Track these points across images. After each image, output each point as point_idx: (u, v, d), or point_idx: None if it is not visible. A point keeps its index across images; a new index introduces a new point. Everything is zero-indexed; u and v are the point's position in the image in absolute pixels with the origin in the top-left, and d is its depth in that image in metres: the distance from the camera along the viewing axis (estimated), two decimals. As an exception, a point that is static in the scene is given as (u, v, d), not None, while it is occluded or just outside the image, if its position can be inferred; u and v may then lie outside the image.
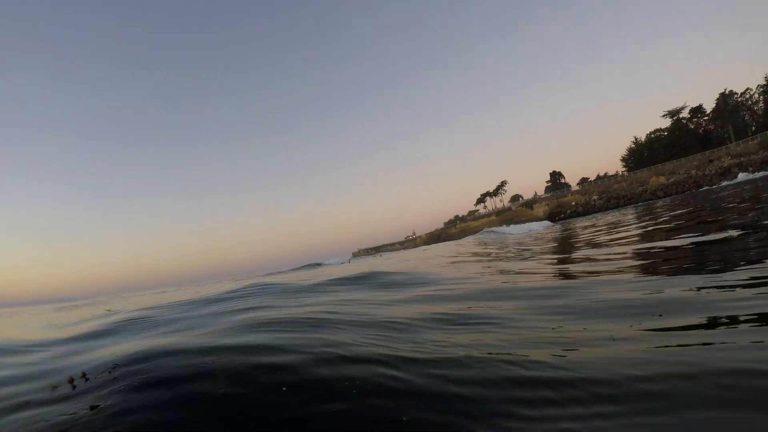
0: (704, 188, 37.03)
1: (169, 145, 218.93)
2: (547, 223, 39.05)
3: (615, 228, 11.29)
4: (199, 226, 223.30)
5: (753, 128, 62.18)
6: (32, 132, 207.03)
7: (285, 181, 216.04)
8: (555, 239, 12.40)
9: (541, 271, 5.20)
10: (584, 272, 4.42)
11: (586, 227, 15.53)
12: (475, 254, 10.47)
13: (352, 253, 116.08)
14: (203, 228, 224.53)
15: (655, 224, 9.61)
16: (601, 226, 14.25)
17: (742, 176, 35.91)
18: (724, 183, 35.82)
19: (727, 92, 65.01)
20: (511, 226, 33.77)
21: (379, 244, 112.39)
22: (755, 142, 48.25)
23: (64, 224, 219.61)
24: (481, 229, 59.56)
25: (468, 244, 18.17)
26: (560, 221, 47.09)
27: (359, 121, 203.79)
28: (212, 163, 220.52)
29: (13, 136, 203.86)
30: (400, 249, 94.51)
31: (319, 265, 62.10)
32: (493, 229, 35.72)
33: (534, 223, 37.31)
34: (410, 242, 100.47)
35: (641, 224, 10.58)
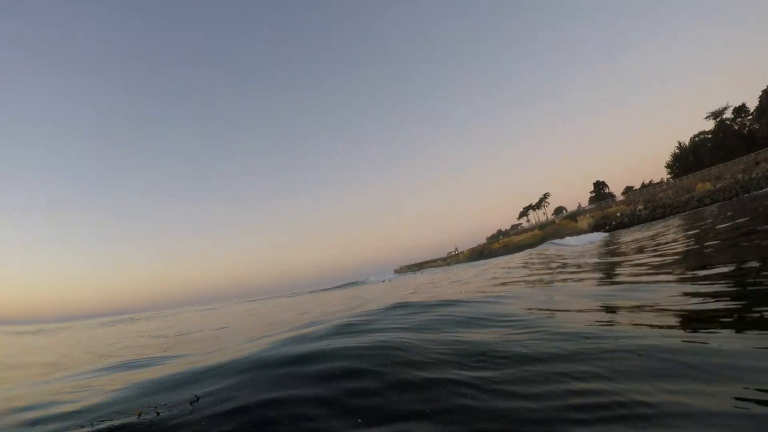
0: (751, 193, 36.20)
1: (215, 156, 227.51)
2: (601, 234, 39.01)
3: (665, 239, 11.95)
4: (242, 242, 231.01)
5: (803, 124, 59.68)
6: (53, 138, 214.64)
7: (326, 197, 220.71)
8: (626, 251, 11.49)
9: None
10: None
11: (648, 237, 15.43)
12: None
13: (394, 270, 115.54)
14: (246, 244, 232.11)
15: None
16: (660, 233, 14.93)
17: None
18: None
19: (770, 88, 62.32)
20: (568, 238, 33.94)
21: (421, 260, 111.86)
22: (804, 140, 46.72)
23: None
24: (535, 244, 60.01)
25: (536, 259, 16.70)
26: (608, 233, 47.03)
27: (400, 135, 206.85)
28: (251, 175, 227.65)
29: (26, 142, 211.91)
30: (443, 265, 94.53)
31: (357, 283, 61.63)
32: (554, 241, 35.84)
33: (591, 234, 37.26)
34: (453, 258, 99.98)
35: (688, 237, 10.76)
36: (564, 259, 13.66)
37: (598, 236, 31.21)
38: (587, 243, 24.18)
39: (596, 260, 10.64)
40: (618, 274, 6.73)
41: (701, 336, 2.53)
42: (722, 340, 2.37)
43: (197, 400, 2.26)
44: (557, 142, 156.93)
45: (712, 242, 8.44)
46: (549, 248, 25.01)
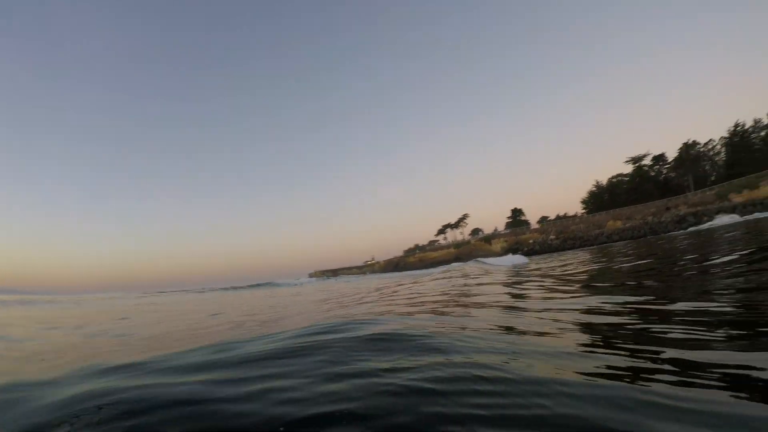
0: (659, 235, 36.17)
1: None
2: (524, 258, 37.66)
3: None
4: (149, 231, 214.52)
5: (713, 178, 62.98)
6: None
7: (241, 197, 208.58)
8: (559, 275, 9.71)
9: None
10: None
11: (563, 263, 14.94)
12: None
13: (309, 274, 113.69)
14: (152, 234, 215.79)
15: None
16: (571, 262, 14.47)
17: (708, 224, 35.03)
18: (679, 231, 34.91)
19: (690, 142, 66.08)
20: (498, 257, 32.53)
21: (337, 267, 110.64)
22: (713, 192, 48.14)
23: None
24: (449, 261, 58.83)
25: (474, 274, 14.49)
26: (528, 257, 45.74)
27: (323, 141, 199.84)
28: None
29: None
30: (358, 273, 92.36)
31: (271, 284, 60.82)
32: (481, 259, 34.53)
33: (514, 256, 35.87)
34: (369, 267, 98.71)
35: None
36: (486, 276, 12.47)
37: (522, 259, 29.56)
38: (511, 266, 22.29)
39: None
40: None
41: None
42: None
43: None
44: (482, 167, 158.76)
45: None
46: (474, 265, 23.37)
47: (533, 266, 15.89)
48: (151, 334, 5.07)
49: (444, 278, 13.45)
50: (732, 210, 36.05)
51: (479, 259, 35.41)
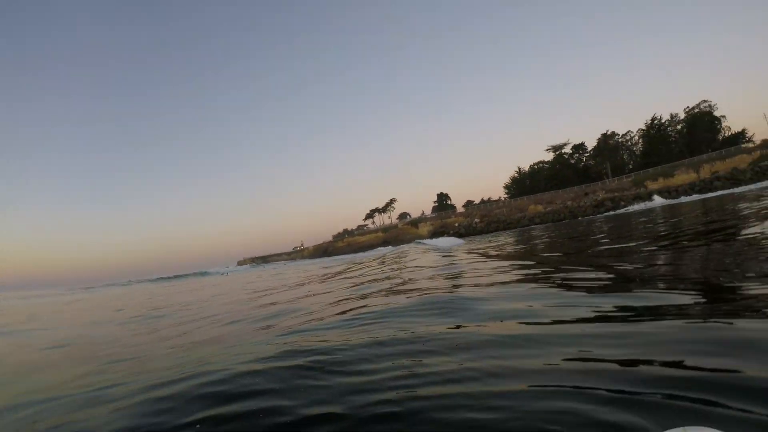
0: (578, 219, 37.17)
1: None
2: (459, 240, 37.60)
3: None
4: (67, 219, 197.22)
5: (630, 166, 66.74)
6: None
7: (164, 180, 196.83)
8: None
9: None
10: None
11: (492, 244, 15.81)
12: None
13: (237, 262, 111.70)
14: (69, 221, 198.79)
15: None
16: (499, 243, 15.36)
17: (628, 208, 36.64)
18: (597, 215, 36.13)
19: (609, 132, 69.14)
20: (437, 239, 32.21)
21: (266, 253, 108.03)
22: (629, 179, 50.88)
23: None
24: (377, 245, 58.53)
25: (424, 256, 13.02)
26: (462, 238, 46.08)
27: (250, 122, 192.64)
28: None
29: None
30: (287, 259, 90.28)
31: (198, 274, 59.73)
32: (423, 241, 34.86)
33: (449, 238, 35.75)
34: (298, 253, 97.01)
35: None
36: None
37: (457, 241, 29.33)
38: (449, 246, 21.55)
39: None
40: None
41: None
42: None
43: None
44: (409, 152, 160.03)
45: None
46: (420, 247, 22.97)
47: (468, 246, 16.25)
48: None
49: (389, 261, 12.60)
50: (648, 197, 37.69)
51: (420, 240, 36.63)
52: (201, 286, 16.95)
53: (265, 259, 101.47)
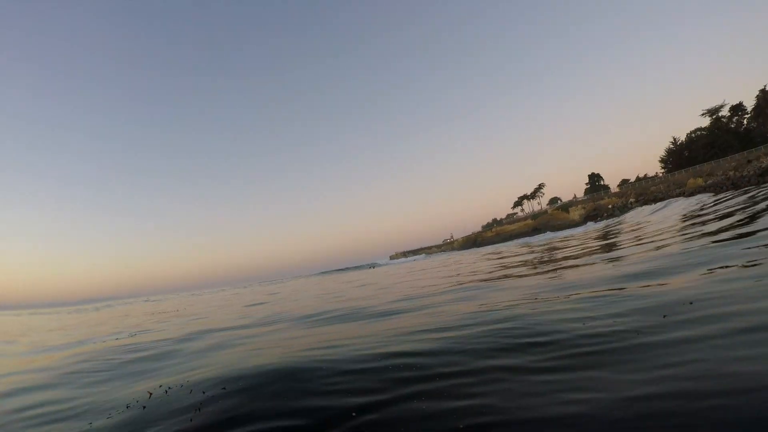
0: (739, 190, 36.71)
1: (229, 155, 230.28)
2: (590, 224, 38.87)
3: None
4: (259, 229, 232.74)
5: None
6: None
7: (328, 186, 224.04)
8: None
9: None
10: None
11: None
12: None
13: (390, 256, 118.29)
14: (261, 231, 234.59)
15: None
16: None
17: None
18: (762, 185, 35.46)
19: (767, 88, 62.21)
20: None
21: (417, 247, 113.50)
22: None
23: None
24: (527, 233, 60.04)
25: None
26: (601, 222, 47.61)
27: (401, 130, 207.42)
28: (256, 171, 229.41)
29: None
30: (437, 252, 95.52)
31: (373, 266, 66.75)
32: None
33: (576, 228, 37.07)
34: (448, 245, 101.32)
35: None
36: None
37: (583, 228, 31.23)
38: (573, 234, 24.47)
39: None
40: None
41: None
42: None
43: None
44: (557, 134, 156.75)
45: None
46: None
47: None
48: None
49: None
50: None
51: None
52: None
53: (416, 252, 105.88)
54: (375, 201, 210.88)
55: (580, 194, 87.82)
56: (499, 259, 16.45)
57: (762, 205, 11.21)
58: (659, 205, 32.40)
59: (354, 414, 2.10)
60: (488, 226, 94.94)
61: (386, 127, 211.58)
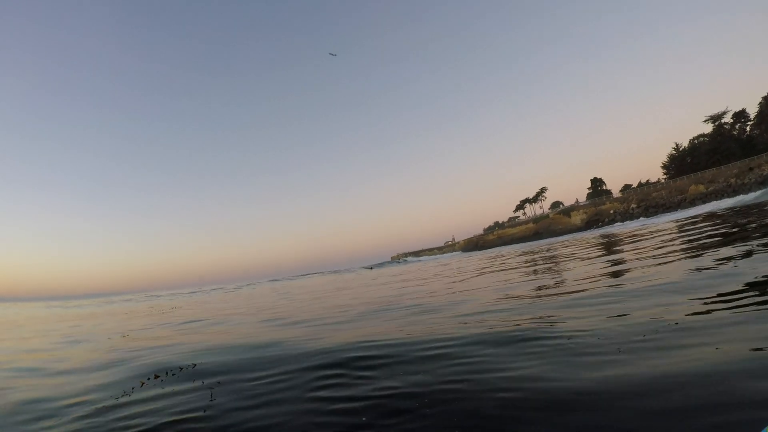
0: (739, 196, 37.02)
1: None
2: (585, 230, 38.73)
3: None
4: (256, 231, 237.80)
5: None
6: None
7: (329, 189, 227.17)
8: None
9: None
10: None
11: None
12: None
13: (391, 257, 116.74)
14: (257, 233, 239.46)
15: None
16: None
17: None
18: (758, 191, 35.35)
19: (771, 95, 61.33)
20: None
21: (418, 248, 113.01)
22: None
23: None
24: (528, 237, 59.86)
25: None
26: (599, 228, 47.80)
27: (401, 130, 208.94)
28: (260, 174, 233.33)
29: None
30: (438, 254, 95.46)
31: (371, 268, 67.13)
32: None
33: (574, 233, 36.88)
34: (449, 247, 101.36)
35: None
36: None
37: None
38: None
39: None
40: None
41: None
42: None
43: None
44: (560, 138, 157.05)
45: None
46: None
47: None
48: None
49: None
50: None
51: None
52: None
53: (417, 254, 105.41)
54: (375, 201, 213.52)
55: (582, 198, 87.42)
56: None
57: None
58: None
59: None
60: (490, 229, 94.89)
61: (386, 127, 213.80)
